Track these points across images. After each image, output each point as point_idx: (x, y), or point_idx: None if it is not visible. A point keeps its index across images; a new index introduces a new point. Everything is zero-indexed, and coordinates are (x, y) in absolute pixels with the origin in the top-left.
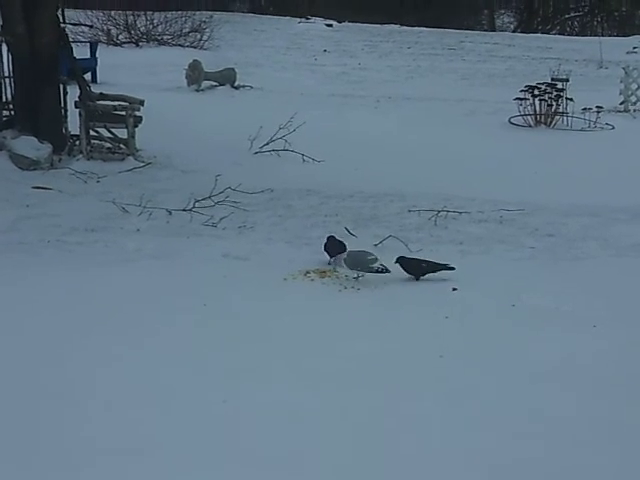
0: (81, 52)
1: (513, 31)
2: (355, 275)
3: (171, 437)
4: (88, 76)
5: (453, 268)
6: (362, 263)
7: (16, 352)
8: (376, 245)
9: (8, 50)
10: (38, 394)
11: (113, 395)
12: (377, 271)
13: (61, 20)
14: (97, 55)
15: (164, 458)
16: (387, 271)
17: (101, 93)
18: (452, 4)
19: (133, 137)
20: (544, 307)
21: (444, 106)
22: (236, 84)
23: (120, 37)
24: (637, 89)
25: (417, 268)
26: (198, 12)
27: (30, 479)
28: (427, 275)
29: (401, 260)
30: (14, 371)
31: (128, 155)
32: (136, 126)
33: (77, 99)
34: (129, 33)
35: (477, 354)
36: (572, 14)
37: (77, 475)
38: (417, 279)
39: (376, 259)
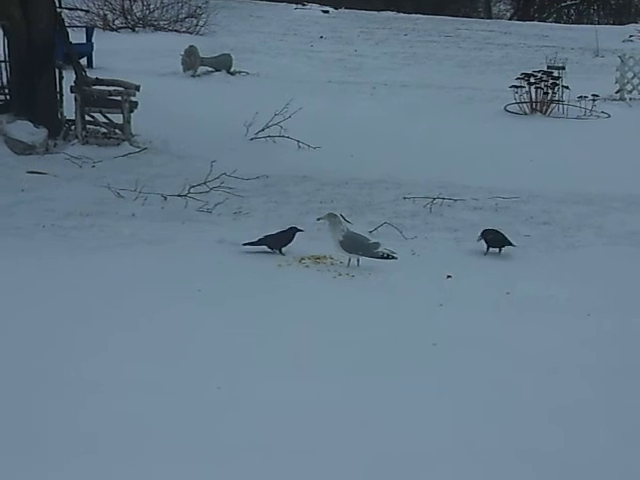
0: (77, 37)
1: (509, 19)
2: (354, 259)
3: (165, 424)
4: (84, 61)
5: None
6: (363, 247)
7: (10, 336)
8: (371, 232)
9: (4, 34)
10: (31, 380)
11: (105, 381)
12: (383, 257)
13: (57, 4)
14: (93, 40)
15: (158, 446)
16: (394, 257)
17: (97, 78)
18: None
19: (129, 122)
20: (539, 295)
21: (440, 93)
22: (232, 70)
23: (116, 22)
24: (633, 77)
25: (495, 240)
26: None
27: (21, 468)
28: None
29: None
30: (8, 355)
31: (123, 140)
32: (132, 111)
33: (73, 84)
34: (125, 18)
35: (471, 342)
36: (568, 2)
37: (68, 465)
38: (499, 251)
39: (378, 243)
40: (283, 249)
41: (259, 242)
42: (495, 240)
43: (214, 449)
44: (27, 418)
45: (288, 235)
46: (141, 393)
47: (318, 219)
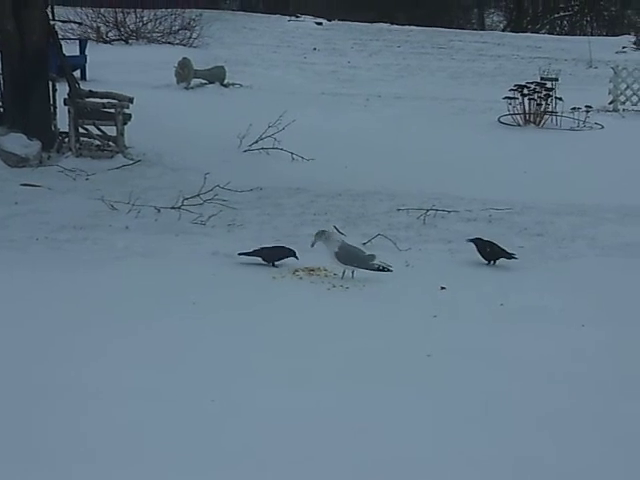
0: (70, 49)
1: (502, 30)
2: (349, 271)
3: (163, 431)
4: (77, 73)
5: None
6: (358, 259)
7: (6, 345)
8: (365, 244)
9: None
10: (26, 392)
11: (100, 393)
12: (378, 269)
13: (50, 17)
14: (86, 52)
15: (156, 453)
16: (389, 270)
17: (90, 90)
18: (442, 3)
19: (122, 134)
20: (532, 306)
21: (433, 105)
22: (225, 82)
23: (110, 34)
24: (626, 89)
25: (492, 253)
26: (188, 10)
27: (20, 475)
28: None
29: (477, 241)
30: (5, 364)
31: (117, 153)
32: (125, 124)
33: (66, 96)
34: (119, 30)
35: (466, 353)
36: (561, 13)
37: (68, 471)
38: (488, 263)
39: (374, 256)
40: (277, 263)
41: (254, 253)
42: (492, 253)
43: (212, 456)
44: (26, 425)
45: (284, 252)
46: (140, 400)
47: (312, 245)
